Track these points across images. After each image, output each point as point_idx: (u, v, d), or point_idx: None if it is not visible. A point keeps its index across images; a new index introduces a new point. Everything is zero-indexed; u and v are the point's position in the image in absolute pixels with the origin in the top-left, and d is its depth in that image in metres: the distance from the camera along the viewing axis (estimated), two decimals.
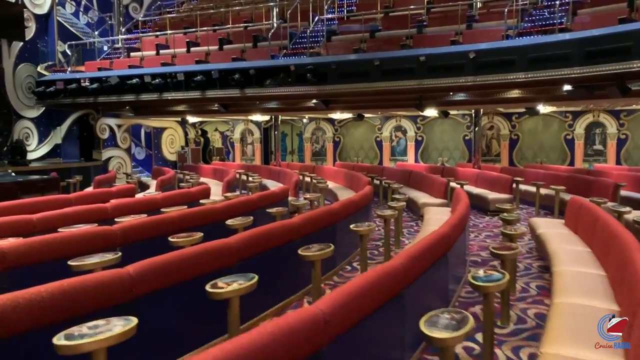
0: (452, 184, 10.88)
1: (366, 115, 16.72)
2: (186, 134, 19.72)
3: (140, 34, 17.09)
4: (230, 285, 3.42)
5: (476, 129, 13.94)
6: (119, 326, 2.68)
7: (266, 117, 17.53)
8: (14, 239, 5.02)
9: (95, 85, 13.62)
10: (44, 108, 15.30)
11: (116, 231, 5.02)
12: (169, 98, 13.14)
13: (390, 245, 6.77)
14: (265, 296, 4.59)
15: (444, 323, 2.77)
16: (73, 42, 16.05)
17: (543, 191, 10.69)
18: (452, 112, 15.85)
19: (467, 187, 11.28)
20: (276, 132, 15.94)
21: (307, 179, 13.34)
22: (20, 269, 4.15)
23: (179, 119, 18.32)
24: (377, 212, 7.15)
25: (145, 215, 6.42)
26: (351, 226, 5.63)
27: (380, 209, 10.57)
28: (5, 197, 8.52)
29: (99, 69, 14.72)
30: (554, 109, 14.81)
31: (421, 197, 10.14)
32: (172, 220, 5.73)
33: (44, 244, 4.40)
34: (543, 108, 13.53)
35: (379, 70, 10.82)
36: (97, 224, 5.72)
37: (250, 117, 18.06)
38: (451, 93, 11.74)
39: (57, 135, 15.86)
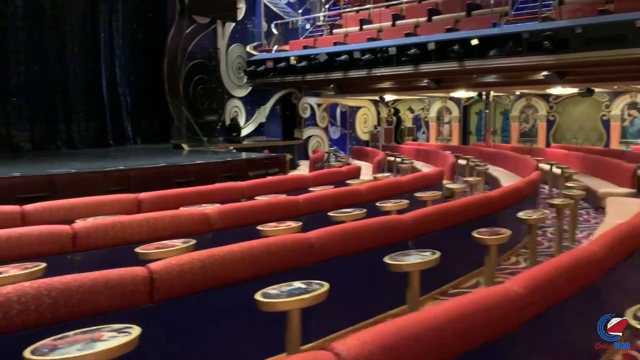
0: None
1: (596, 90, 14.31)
2: (379, 113, 19.12)
3: (342, 11, 16.74)
4: None
5: None
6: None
7: (470, 94, 16.05)
8: (293, 223, 4.59)
9: (303, 64, 13.52)
10: (250, 87, 15.75)
11: (407, 221, 4.27)
12: (378, 74, 12.49)
13: None
14: None
15: None
16: (278, 22, 16.25)
17: None
18: None
19: None
20: (487, 110, 14.41)
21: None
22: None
23: (376, 97, 17.70)
24: None
25: (406, 201, 5.66)
26: None
27: None
28: (237, 175, 8.58)
29: (304, 47, 14.63)
30: None
31: None
32: (453, 209, 4.85)
33: (350, 234, 3.80)
34: None
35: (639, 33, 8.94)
36: (364, 209, 5.10)
37: (451, 94, 16.75)
38: None
39: (262, 114, 16.27)
